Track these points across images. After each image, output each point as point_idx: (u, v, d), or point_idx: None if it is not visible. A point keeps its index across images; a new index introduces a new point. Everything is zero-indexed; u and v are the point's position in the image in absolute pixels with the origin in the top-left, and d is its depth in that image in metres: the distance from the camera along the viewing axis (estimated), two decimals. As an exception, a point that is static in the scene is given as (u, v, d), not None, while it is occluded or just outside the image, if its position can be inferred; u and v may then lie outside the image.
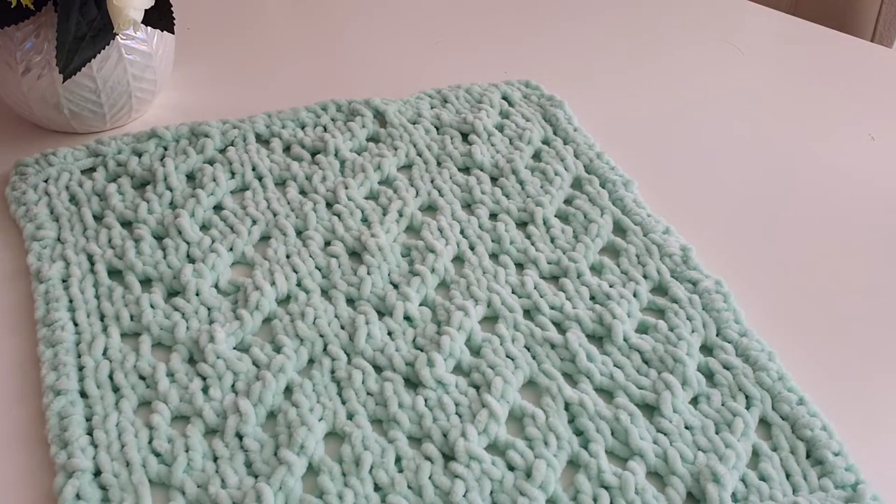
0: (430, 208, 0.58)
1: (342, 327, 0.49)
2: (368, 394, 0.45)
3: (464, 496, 0.41)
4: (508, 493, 0.41)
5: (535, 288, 0.51)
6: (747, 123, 0.68)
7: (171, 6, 0.60)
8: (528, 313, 0.50)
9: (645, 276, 0.52)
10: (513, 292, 0.51)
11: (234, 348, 0.48)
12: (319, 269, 0.52)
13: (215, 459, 0.42)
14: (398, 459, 0.42)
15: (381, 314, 0.50)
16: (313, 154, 0.62)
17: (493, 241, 0.55)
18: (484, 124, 0.64)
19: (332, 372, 0.46)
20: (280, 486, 0.41)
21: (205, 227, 0.55)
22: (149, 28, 0.60)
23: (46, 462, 0.42)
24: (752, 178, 0.62)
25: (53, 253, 0.53)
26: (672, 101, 0.70)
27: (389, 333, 0.49)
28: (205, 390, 0.45)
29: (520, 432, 0.44)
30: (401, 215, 0.56)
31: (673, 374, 0.46)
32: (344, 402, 0.45)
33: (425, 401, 0.45)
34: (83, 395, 0.45)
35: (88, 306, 0.49)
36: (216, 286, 0.51)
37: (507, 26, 0.80)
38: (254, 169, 0.59)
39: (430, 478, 0.42)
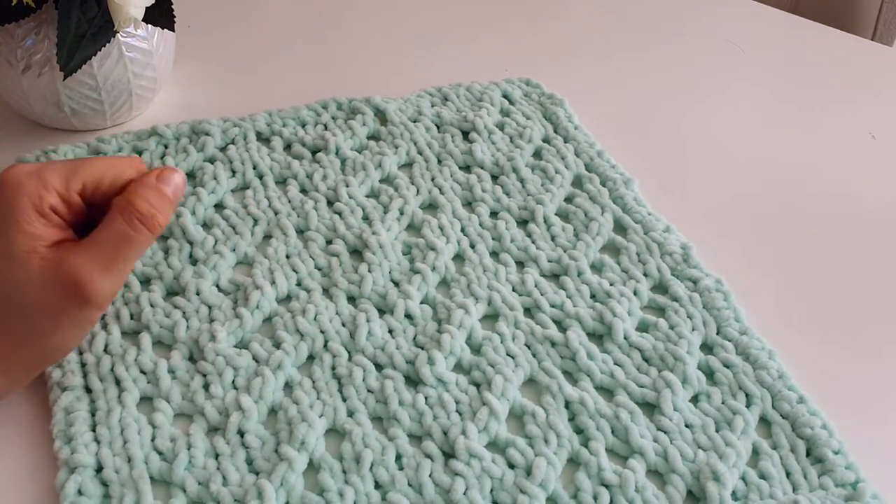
0: (431, 206, 0.58)
1: (343, 325, 0.49)
2: (369, 391, 0.45)
3: (464, 494, 0.41)
4: (509, 490, 0.41)
5: (535, 286, 0.51)
6: (748, 122, 0.68)
7: (172, 4, 0.60)
8: (528, 311, 0.50)
9: (645, 275, 0.52)
10: (513, 290, 0.51)
11: (234, 346, 0.48)
12: (320, 269, 0.52)
13: (216, 457, 0.42)
14: (398, 457, 0.42)
15: (381, 312, 0.50)
16: (314, 152, 0.62)
17: (493, 239, 0.55)
18: (484, 122, 0.64)
19: (333, 369, 0.46)
20: (281, 483, 0.41)
21: (206, 226, 0.55)
22: (149, 26, 0.60)
23: (48, 457, 0.42)
24: (753, 177, 0.62)
25: (54, 250, 0.53)
26: (672, 100, 0.70)
27: (390, 331, 0.49)
28: (206, 388, 0.45)
29: (520, 430, 0.44)
30: (402, 213, 0.56)
31: (673, 372, 0.46)
32: (344, 400, 0.45)
33: (426, 399, 0.45)
34: (87, 390, 0.45)
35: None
36: (216, 285, 0.51)
37: (507, 24, 0.80)
38: (254, 167, 0.59)
39: (430, 475, 0.42)
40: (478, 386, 0.46)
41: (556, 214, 0.57)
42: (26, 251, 0.39)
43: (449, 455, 0.43)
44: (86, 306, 0.40)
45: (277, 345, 0.47)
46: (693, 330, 0.49)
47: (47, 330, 0.39)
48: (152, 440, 0.43)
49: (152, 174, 0.42)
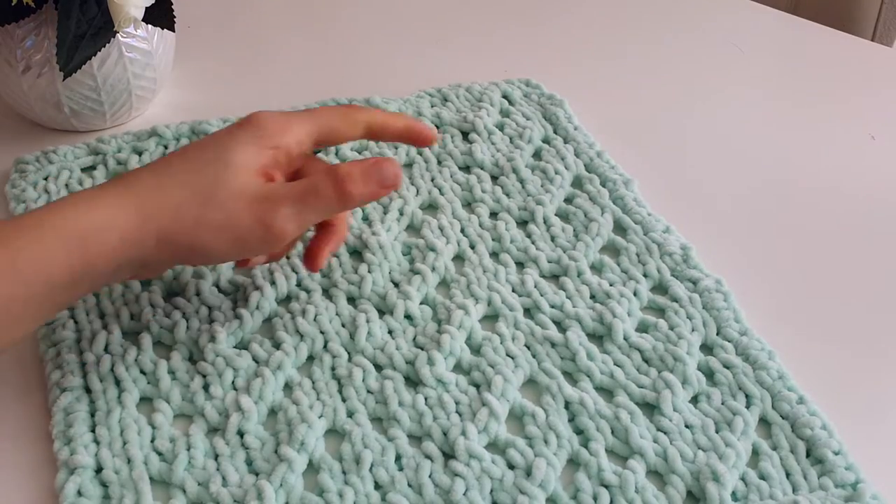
0: (431, 207, 0.58)
1: (343, 325, 0.49)
2: (369, 392, 0.45)
3: (464, 494, 0.41)
4: (508, 491, 0.41)
5: (535, 286, 0.51)
6: (747, 122, 0.68)
7: (172, 4, 0.60)
8: (528, 312, 0.50)
9: (645, 275, 0.52)
10: (513, 291, 0.51)
11: (234, 347, 0.48)
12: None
13: (216, 457, 0.42)
14: (398, 458, 0.42)
15: (381, 313, 0.50)
16: (314, 153, 0.61)
17: (493, 239, 0.55)
18: (484, 123, 0.64)
19: (333, 369, 0.46)
20: (281, 484, 0.41)
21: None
22: (149, 26, 0.60)
23: (48, 458, 0.42)
24: (753, 177, 0.63)
25: (54, 251, 0.52)
26: (672, 100, 0.70)
27: (390, 332, 0.49)
28: (205, 388, 0.45)
29: (520, 431, 0.44)
30: (401, 214, 0.56)
31: (673, 372, 0.46)
32: (344, 400, 0.45)
33: (425, 399, 0.45)
34: (87, 390, 0.45)
35: (87, 305, 0.49)
36: (216, 285, 0.51)
37: (507, 25, 0.80)
38: (254, 167, 0.59)
39: (430, 476, 0.42)
40: (478, 386, 0.46)
41: (555, 215, 0.57)
42: (243, 168, 0.43)
43: (449, 456, 0.43)
44: (265, 230, 0.42)
45: (277, 345, 0.47)
46: (693, 330, 0.49)
47: (225, 218, 0.42)
48: (152, 441, 0.43)
49: (371, 159, 0.45)
